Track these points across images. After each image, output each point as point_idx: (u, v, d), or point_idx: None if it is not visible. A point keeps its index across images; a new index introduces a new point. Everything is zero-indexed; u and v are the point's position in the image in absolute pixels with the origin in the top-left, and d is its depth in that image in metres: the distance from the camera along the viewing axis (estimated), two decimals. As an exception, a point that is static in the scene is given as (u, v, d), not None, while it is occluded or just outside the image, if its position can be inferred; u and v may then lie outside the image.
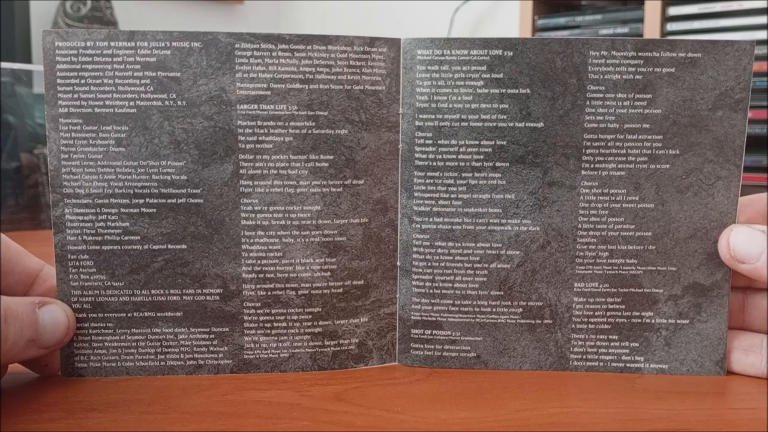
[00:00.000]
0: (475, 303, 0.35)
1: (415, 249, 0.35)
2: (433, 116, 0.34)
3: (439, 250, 0.35)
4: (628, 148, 0.34)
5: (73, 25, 1.93)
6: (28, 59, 1.88)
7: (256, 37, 0.33)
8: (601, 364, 0.35)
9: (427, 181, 0.34)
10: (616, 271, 0.35)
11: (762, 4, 1.40)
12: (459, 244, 0.35)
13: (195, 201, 0.33)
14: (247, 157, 0.33)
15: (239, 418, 0.29)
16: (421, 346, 0.36)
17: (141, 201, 0.33)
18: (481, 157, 0.34)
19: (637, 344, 0.35)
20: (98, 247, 0.33)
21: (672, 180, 0.34)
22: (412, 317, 0.36)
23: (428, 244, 0.35)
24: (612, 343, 0.35)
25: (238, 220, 0.34)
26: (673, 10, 1.49)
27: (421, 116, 0.34)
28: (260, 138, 0.33)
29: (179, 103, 0.33)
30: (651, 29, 1.50)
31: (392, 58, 0.34)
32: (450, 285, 0.35)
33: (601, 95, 0.34)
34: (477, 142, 0.34)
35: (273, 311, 0.34)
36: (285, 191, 0.34)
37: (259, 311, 0.34)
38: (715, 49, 0.33)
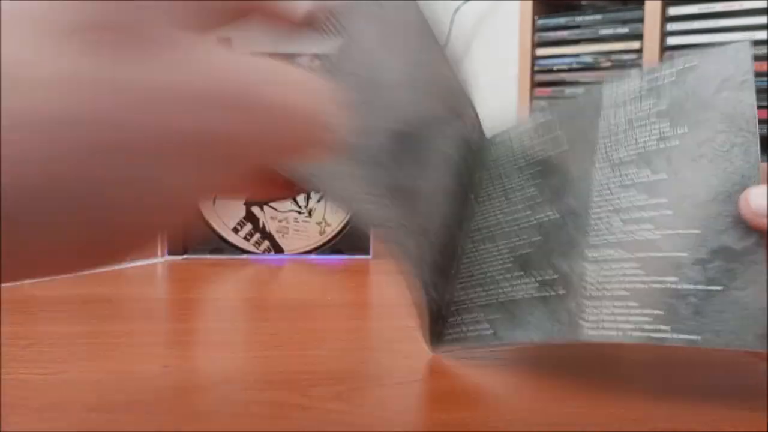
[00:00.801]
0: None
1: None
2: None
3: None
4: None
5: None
6: (28, 59, 1.88)
7: None
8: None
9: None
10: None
11: (762, 4, 1.40)
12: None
13: None
14: None
15: (239, 418, 0.29)
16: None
17: None
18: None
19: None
20: None
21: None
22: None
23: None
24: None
25: None
26: (673, 10, 1.49)
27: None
28: None
29: None
30: (651, 29, 1.50)
31: None
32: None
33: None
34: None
35: None
36: None
37: None
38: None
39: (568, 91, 1.64)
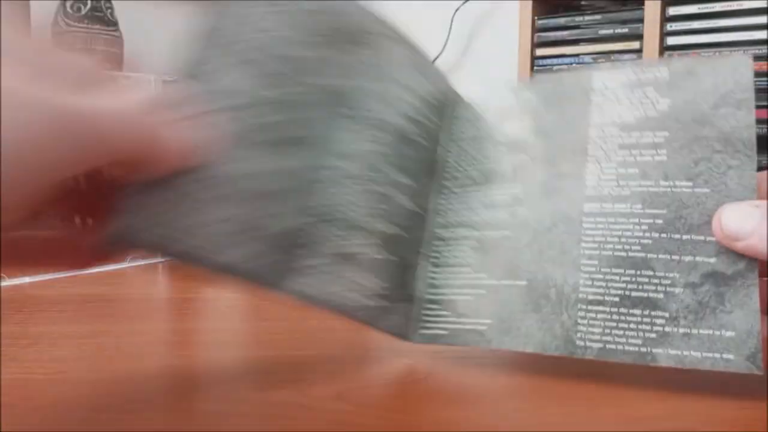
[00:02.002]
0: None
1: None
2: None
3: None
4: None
5: (74, 25, 1.93)
6: (28, 59, 1.87)
7: None
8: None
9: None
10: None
11: (762, 4, 1.40)
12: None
13: None
14: None
15: (239, 418, 0.29)
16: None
17: None
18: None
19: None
20: None
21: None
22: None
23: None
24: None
25: None
26: (673, 10, 1.49)
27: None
28: None
29: None
30: (651, 29, 1.50)
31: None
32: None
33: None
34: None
35: None
36: None
37: None
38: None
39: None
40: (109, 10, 2.00)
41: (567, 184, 0.36)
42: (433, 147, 0.40)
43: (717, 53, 1.44)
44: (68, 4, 1.98)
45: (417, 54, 0.40)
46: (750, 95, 0.34)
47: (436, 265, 0.38)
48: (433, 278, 0.38)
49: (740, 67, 0.34)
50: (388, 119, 0.37)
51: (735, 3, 1.43)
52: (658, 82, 0.36)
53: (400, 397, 0.32)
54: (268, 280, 0.32)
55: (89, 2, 1.96)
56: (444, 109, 0.41)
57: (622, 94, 0.36)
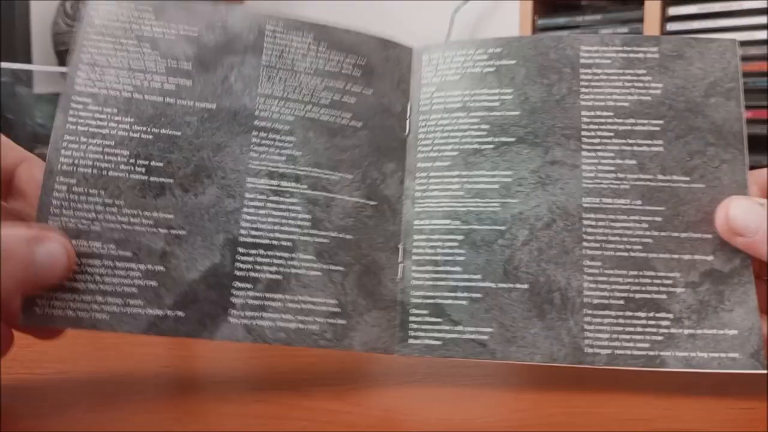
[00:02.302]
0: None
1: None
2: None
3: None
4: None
5: (74, 25, 1.92)
6: (28, 59, 1.88)
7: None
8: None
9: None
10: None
11: (762, 4, 1.40)
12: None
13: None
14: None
15: (239, 418, 0.29)
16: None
17: None
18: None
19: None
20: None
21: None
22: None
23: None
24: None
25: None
26: (673, 10, 1.49)
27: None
28: None
29: None
30: (651, 29, 1.50)
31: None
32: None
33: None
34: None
35: None
36: None
37: None
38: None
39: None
40: (109, 10, 2.00)
41: (562, 172, 0.34)
42: (375, 120, 0.36)
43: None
44: (68, 4, 1.98)
45: (323, 32, 0.36)
46: (737, 85, 0.34)
47: (420, 264, 0.34)
48: (417, 279, 0.34)
49: (726, 53, 0.34)
50: (297, 117, 0.35)
51: (735, 3, 1.43)
52: (648, 62, 0.35)
53: (400, 397, 0.32)
54: (197, 332, 0.32)
55: (89, 2, 1.96)
56: (375, 70, 0.36)
57: (613, 73, 0.35)
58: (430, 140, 0.36)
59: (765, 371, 0.32)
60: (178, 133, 0.33)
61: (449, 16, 2.00)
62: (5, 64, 0.90)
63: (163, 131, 0.33)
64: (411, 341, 0.33)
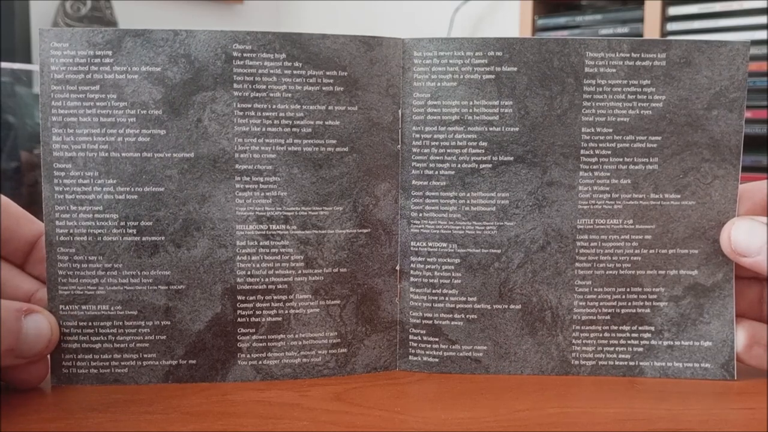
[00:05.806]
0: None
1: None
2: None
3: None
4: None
5: (73, 25, 1.93)
6: (28, 59, 1.88)
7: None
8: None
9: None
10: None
11: (762, 4, 1.40)
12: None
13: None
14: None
15: (239, 418, 0.29)
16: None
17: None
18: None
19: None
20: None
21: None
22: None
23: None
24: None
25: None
26: (673, 10, 1.49)
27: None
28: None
29: None
30: (651, 29, 1.50)
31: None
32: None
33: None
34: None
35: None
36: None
37: None
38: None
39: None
40: (109, 10, 2.00)
41: (559, 194, 0.34)
42: (363, 139, 0.34)
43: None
44: (68, 4, 1.98)
45: (296, 46, 0.33)
46: (742, 94, 0.34)
47: (417, 286, 0.35)
48: (415, 300, 0.35)
49: (737, 58, 0.33)
50: (279, 154, 0.33)
51: (735, 3, 1.43)
52: (654, 71, 0.33)
53: (400, 397, 0.32)
54: (210, 377, 0.33)
55: (89, 2, 1.96)
56: (359, 80, 0.34)
57: (617, 84, 0.34)
58: (425, 156, 0.34)
59: (733, 380, 0.34)
60: (161, 189, 0.33)
61: (449, 16, 2.00)
62: (5, 64, 0.90)
63: (146, 189, 0.32)
64: (411, 358, 0.35)
